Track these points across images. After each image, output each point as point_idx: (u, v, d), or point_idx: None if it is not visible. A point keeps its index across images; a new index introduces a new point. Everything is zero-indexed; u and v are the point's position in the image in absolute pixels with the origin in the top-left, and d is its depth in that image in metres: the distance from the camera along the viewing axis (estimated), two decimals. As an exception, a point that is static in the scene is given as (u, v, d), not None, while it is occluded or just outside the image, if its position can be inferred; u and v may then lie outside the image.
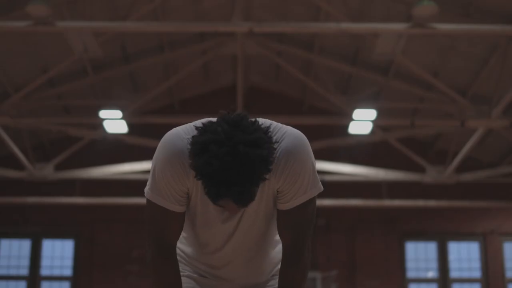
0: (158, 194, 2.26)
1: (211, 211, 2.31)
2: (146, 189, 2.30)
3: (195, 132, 2.12)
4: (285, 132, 2.24)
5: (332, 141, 10.73)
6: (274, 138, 2.17)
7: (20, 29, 8.25)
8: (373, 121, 10.18)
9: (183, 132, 2.24)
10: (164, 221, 2.31)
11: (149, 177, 2.30)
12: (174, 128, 2.28)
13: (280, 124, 2.27)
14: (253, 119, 2.07)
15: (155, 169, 2.25)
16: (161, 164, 2.23)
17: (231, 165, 1.95)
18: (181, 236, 2.46)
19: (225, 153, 1.95)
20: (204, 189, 2.03)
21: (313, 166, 2.28)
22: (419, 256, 12.98)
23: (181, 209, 2.31)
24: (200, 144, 1.99)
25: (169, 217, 2.30)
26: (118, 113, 9.96)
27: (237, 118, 2.02)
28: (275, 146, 2.11)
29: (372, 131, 10.73)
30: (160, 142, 2.27)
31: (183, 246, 2.53)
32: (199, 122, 2.19)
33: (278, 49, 11.07)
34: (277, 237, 2.53)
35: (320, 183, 2.31)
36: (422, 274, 12.96)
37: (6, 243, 12.90)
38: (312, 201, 2.30)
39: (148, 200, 2.31)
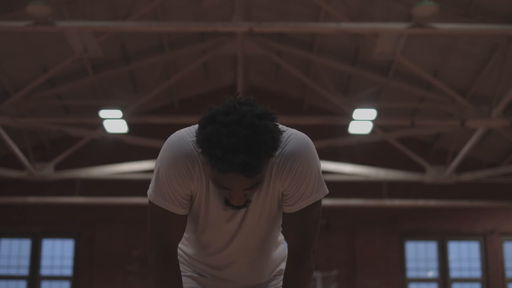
0: (161, 197, 2.26)
1: (213, 212, 2.32)
2: (149, 191, 2.29)
3: None
4: (290, 135, 2.25)
5: (332, 141, 10.72)
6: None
7: (20, 29, 8.25)
8: (373, 121, 10.18)
9: (187, 134, 2.25)
10: (167, 223, 2.31)
11: (152, 179, 2.29)
12: (178, 131, 2.28)
13: (285, 127, 2.28)
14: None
15: (159, 171, 2.25)
16: (165, 167, 2.23)
17: (238, 133, 1.96)
18: (182, 237, 2.46)
19: (232, 122, 1.98)
20: (211, 164, 2.02)
21: (319, 169, 2.28)
22: (419, 256, 12.98)
23: (184, 211, 2.31)
24: (208, 117, 2.02)
25: (172, 219, 2.30)
26: (118, 113, 9.96)
27: (246, 98, 2.08)
28: (279, 149, 2.16)
29: (372, 131, 10.73)
30: (164, 144, 2.27)
31: (184, 246, 2.53)
32: None
33: (278, 49, 11.06)
34: (280, 237, 2.54)
35: (325, 186, 2.31)
36: (422, 274, 12.96)
37: (6, 243, 12.90)
38: (317, 204, 2.31)
39: (151, 203, 2.30)
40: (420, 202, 12.03)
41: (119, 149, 12.18)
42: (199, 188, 2.26)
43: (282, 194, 2.30)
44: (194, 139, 2.20)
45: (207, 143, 2.00)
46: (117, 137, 10.83)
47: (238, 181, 2.04)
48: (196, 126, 2.25)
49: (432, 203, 12.02)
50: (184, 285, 2.42)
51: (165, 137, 2.32)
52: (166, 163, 2.23)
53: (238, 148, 1.96)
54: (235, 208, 2.21)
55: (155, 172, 2.28)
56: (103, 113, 10.07)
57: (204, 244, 2.43)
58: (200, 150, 2.06)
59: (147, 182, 2.33)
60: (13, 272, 12.78)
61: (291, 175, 2.23)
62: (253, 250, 2.43)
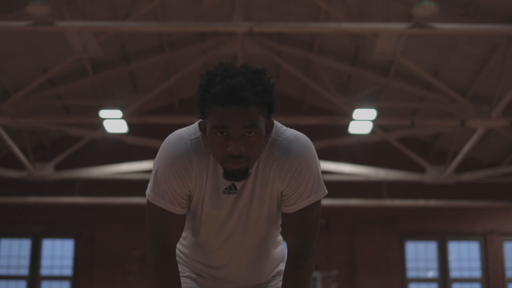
0: (160, 197, 2.27)
1: (212, 209, 2.32)
2: (148, 191, 2.30)
3: (197, 134, 2.17)
4: (289, 135, 2.27)
5: (332, 141, 10.72)
6: (279, 140, 2.20)
7: (20, 29, 8.25)
8: (373, 121, 10.19)
9: (185, 134, 2.26)
10: (165, 223, 2.31)
11: (150, 179, 2.30)
12: (177, 130, 2.29)
13: (284, 127, 2.30)
14: None
15: (157, 171, 2.25)
16: (164, 167, 2.23)
17: (236, 69, 2.11)
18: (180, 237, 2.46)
19: (231, 64, 2.13)
20: (210, 97, 2.10)
21: (318, 169, 2.29)
22: (419, 256, 12.98)
23: (183, 211, 2.32)
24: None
25: (170, 219, 2.30)
26: (118, 113, 9.96)
27: None
28: (279, 147, 2.23)
29: (372, 131, 10.73)
30: (163, 144, 2.27)
31: (182, 247, 2.53)
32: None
33: (278, 49, 11.06)
34: (279, 237, 2.54)
35: (325, 186, 2.31)
36: (422, 274, 12.96)
37: (6, 243, 12.91)
38: (316, 204, 2.32)
39: (149, 203, 2.30)
40: (420, 202, 12.03)
41: (119, 149, 12.18)
42: (197, 186, 2.27)
43: (281, 194, 2.31)
44: (193, 137, 2.22)
45: (207, 77, 2.11)
46: (117, 137, 10.83)
47: (236, 115, 2.07)
48: (195, 125, 2.27)
49: (432, 203, 12.02)
50: (183, 285, 2.42)
51: (165, 137, 2.32)
52: (164, 163, 2.24)
53: (236, 75, 2.08)
54: (235, 177, 2.17)
55: (153, 172, 2.28)
56: (103, 113, 10.07)
57: (202, 242, 2.43)
58: (199, 93, 2.15)
59: (147, 182, 2.34)
60: (13, 272, 12.78)
61: (290, 174, 2.24)
62: (251, 249, 2.43)
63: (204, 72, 2.18)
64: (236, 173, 2.15)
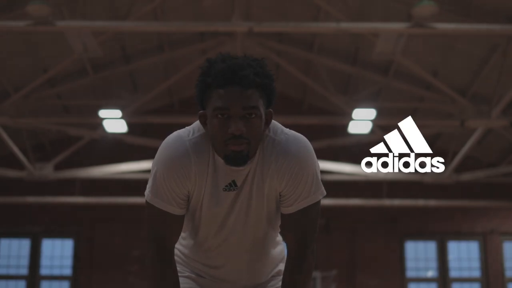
0: (159, 198, 2.27)
1: (211, 208, 2.32)
2: (147, 192, 2.30)
3: (196, 134, 2.18)
4: (288, 135, 2.28)
5: (332, 141, 10.72)
6: (277, 139, 2.21)
7: (20, 29, 8.25)
8: (373, 121, 10.19)
9: (183, 134, 2.26)
10: (164, 223, 2.31)
11: (149, 180, 2.30)
12: (175, 131, 2.30)
13: (283, 127, 2.31)
14: None
15: (156, 172, 2.26)
16: (163, 167, 2.24)
17: (237, 56, 2.19)
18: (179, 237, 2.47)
19: (229, 54, 2.20)
20: (211, 80, 2.16)
21: (316, 170, 2.29)
22: (419, 256, 12.98)
23: (181, 212, 2.32)
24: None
25: (169, 219, 2.30)
26: (118, 113, 9.96)
27: None
28: (277, 146, 2.23)
29: (372, 131, 10.73)
30: (161, 145, 2.28)
31: (181, 247, 2.53)
32: (198, 123, 2.25)
33: (278, 49, 11.06)
34: (279, 238, 2.54)
35: (323, 187, 2.32)
36: (422, 274, 12.97)
37: (6, 242, 12.91)
38: (315, 205, 2.32)
39: (148, 203, 2.31)
40: (420, 202, 12.02)
41: (118, 149, 12.18)
42: (197, 185, 2.27)
43: (280, 195, 2.31)
44: (191, 137, 2.23)
45: (207, 63, 2.18)
46: (116, 137, 10.83)
47: (236, 95, 2.12)
48: (193, 125, 2.28)
49: (432, 203, 12.01)
50: (182, 285, 2.42)
51: (165, 137, 2.32)
52: (163, 164, 2.24)
53: (236, 59, 2.17)
54: (236, 160, 2.17)
55: (152, 173, 2.28)
56: (102, 113, 10.07)
57: (202, 241, 2.43)
58: (198, 83, 2.23)
59: (147, 182, 2.34)
60: (12, 272, 12.78)
61: (288, 174, 2.25)
62: (251, 248, 2.43)
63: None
64: (237, 155, 2.15)
